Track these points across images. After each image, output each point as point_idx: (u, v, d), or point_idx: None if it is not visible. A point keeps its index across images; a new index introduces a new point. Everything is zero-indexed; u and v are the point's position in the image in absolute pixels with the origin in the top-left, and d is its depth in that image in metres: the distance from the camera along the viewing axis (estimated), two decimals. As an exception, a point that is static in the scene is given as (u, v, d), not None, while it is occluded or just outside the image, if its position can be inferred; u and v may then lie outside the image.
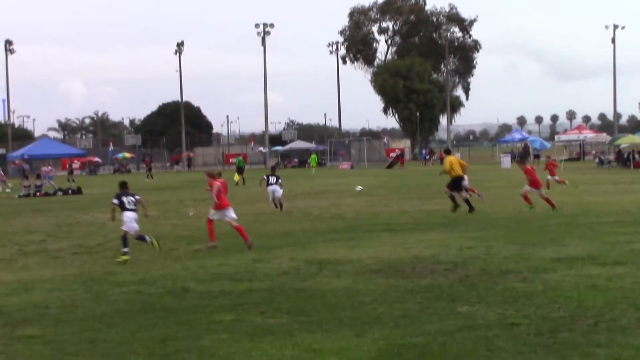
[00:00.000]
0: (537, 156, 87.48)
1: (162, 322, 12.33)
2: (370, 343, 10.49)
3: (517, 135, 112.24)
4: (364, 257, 18.49)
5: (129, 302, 14.08)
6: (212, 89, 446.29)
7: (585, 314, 11.77)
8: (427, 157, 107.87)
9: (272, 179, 33.76)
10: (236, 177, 53.93)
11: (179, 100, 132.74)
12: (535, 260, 17.04)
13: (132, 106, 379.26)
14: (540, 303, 12.64)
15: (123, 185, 21.16)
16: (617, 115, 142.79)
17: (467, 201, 30.22)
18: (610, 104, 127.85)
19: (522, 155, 32.74)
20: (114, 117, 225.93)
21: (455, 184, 30.44)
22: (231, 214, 21.98)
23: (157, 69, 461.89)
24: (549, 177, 41.16)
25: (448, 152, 33.81)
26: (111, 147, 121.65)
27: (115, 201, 20.84)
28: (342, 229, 25.42)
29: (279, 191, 33.54)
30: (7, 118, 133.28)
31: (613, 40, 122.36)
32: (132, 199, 20.77)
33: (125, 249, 19.88)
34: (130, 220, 20.40)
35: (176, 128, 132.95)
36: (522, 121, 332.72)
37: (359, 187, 31.72)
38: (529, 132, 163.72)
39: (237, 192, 41.81)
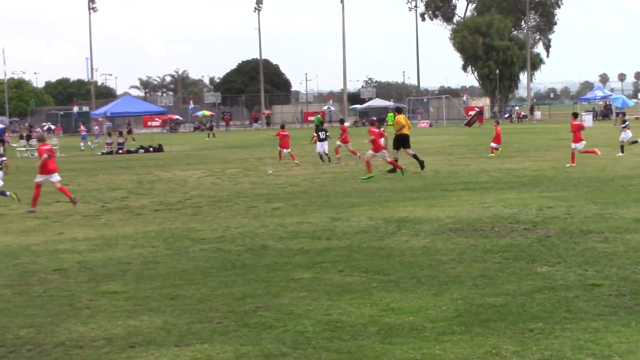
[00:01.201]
0: (619, 114, 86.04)
1: (241, 279, 12.44)
2: (449, 302, 10.47)
3: (599, 93, 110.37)
4: (443, 216, 18.43)
5: (209, 259, 14.24)
6: (291, 47, 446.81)
7: (668, 275, 11.60)
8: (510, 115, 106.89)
9: (322, 134, 38.62)
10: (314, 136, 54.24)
11: (258, 58, 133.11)
12: (617, 221, 16.81)
13: (211, 64, 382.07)
14: (621, 264, 12.49)
15: None
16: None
17: (415, 157, 32.14)
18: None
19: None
20: (194, 75, 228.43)
21: (402, 141, 32.57)
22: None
23: (237, 27, 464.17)
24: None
25: (399, 110, 35.66)
26: (191, 105, 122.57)
27: None
28: (421, 188, 25.33)
29: (326, 145, 38.50)
30: (90, 76, 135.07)
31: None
32: None
33: None
34: None
35: (255, 86, 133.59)
36: (604, 79, 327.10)
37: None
38: (612, 90, 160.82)
39: (314, 151, 41.73)
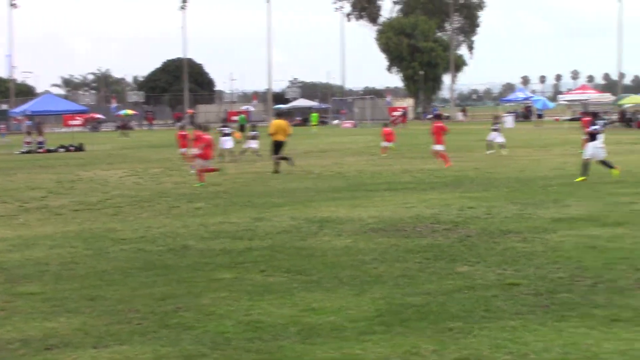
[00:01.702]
0: (540, 116, 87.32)
1: (162, 279, 12.34)
2: (370, 302, 10.50)
3: (521, 95, 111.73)
4: (365, 216, 18.49)
5: (129, 260, 14.10)
6: (215, 46, 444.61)
7: (584, 274, 11.77)
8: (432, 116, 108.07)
9: (227, 130, 41.64)
10: (237, 134, 54.88)
11: (182, 57, 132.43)
12: (536, 221, 17.05)
13: (135, 63, 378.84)
14: (540, 263, 12.65)
15: None
16: (621, 75, 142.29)
17: (280, 160, 32.51)
18: (614, 64, 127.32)
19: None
20: (117, 73, 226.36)
21: (278, 147, 32.85)
22: None
23: (162, 26, 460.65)
24: None
25: (279, 115, 34.94)
26: (114, 104, 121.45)
27: None
28: (344, 188, 25.41)
29: (230, 143, 41.16)
30: (9, 74, 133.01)
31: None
32: None
33: None
34: None
35: (179, 85, 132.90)
36: (525, 80, 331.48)
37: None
38: (533, 92, 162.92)
39: (239, 150, 41.78)
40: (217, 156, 39.02)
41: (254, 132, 42.04)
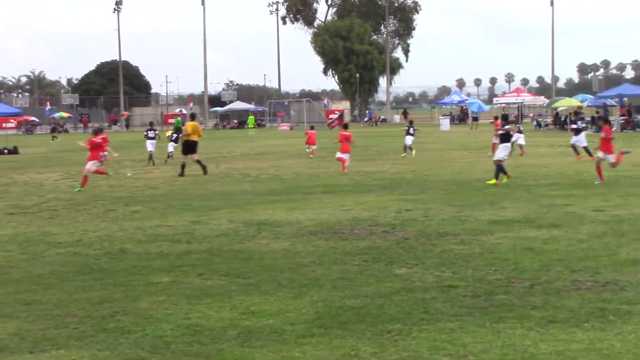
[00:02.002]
0: (475, 119, 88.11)
1: (99, 283, 12.24)
2: (309, 305, 10.51)
3: (456, 98, 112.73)
4: (303, 218, 18.51)
5: (65, 264, 13.95)
6: (151, 48, 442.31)
7: (521, 276, 11.90)
8: (368, 119, 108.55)
9: (151, 134, 41.72)
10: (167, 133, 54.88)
11: (118, 59, 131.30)
12: (473, 223, 17.19)
13: (70, 65, 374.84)
14: (477, 265, 12.76)
15: None
16: (555, 79, 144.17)
17: (183, 166, 32.61)
18: (548, 67, 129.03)
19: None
20: (51, 76, 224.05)
21: (190, 147, 32.99)
22: None
23: (96, 28, 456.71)
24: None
25: (192, 117, 36.09)
26: (48, 107, 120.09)
27: None
28: (281, 191, 25.40)
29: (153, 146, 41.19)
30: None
31: (552, 2, 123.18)
32: None
33: None
34: None
35: (114, 88, 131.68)
36: (461, 83, 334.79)
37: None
38: (468, 95, 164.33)
39: (177, 153, 41.47)
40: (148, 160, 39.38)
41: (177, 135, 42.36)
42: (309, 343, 8.84)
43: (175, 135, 42.68)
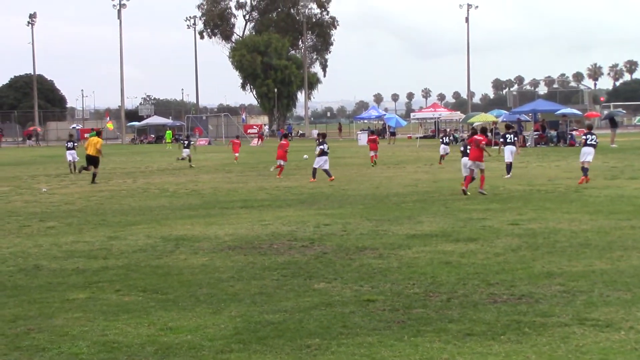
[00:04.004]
0: (393, 134, 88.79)
1: (12, 301, 12.02)
2: (227, 320, 10.46)
3: (374, 113, 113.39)
4: (221, 234, 18.44)
5: (-22, 281, 13.69)
6: (67, 62, 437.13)
7: (439, 289, 12.00)
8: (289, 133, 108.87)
9: (70, 144, 45.62)
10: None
11: (32, 73, 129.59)
12: (391, 237, 17.29)
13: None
14: (395, 279, 12.83)
15: None
16: (471, 94, 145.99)
17: (84, 169, 38.24)
18: (464, 83, 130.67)
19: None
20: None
21: (92, 161, 37.04)
22: None
23: (9, 41, 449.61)
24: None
25: (99, 133, 39.23)
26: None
27: None
28: (199, 206, 25.27)
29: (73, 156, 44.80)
30: None
31: (467, 19, 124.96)
32: None
33: None
34: None
35: (29, 102, 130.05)
36: (379, 98, 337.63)
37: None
38: (386, 110, 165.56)
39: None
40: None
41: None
42: (227, 359, 8.79)
43: (186, 141, 51.88)
